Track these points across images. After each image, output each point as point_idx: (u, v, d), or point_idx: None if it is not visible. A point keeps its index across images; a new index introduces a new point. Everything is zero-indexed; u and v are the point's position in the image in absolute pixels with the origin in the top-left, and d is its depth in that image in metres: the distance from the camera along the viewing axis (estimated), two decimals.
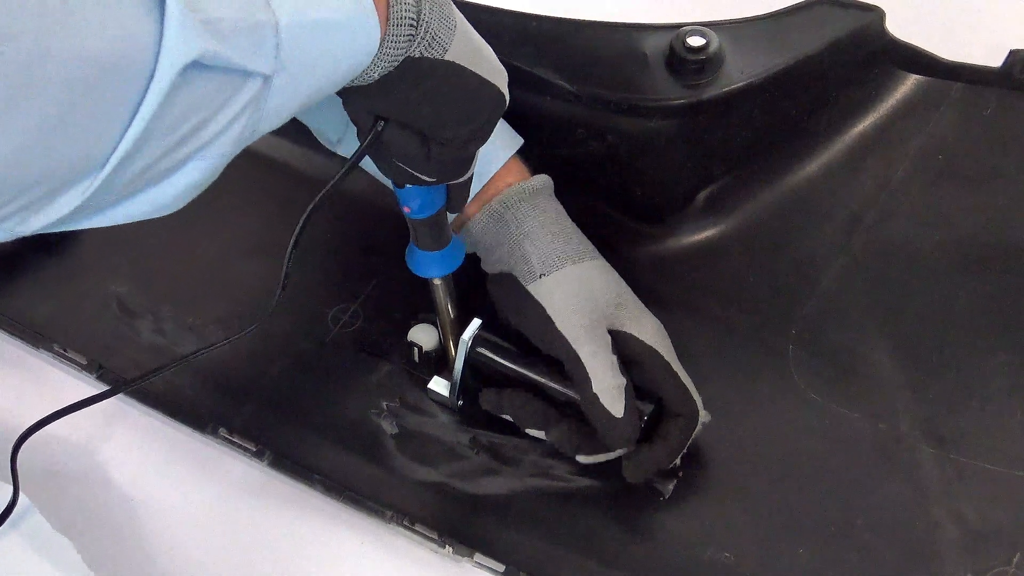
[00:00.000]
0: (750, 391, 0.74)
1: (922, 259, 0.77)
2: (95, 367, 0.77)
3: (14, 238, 0.44)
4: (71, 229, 0.45)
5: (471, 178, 0.65)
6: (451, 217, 0.71)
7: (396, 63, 0.52)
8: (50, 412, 0.69)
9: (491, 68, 0.57)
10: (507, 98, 0.58)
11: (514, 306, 0.70)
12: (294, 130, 0.87)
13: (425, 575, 0.68)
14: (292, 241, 0.59)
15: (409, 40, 0.52)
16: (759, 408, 0.74)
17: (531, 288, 0.69)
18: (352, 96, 0.54)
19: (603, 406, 0.66)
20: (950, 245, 0.76)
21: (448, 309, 0.73)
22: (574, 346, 0.67)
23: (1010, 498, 0.67)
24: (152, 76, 0.41)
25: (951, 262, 0.76)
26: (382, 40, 0.50)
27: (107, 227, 0.85)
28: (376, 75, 0.52)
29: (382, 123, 0.56)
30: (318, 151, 0.85)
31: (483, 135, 0.58)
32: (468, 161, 0.61)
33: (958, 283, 0.76)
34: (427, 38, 0.52)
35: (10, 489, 0.69)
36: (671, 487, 0.70)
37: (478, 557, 0.67)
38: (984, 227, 0.76)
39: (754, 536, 0.68)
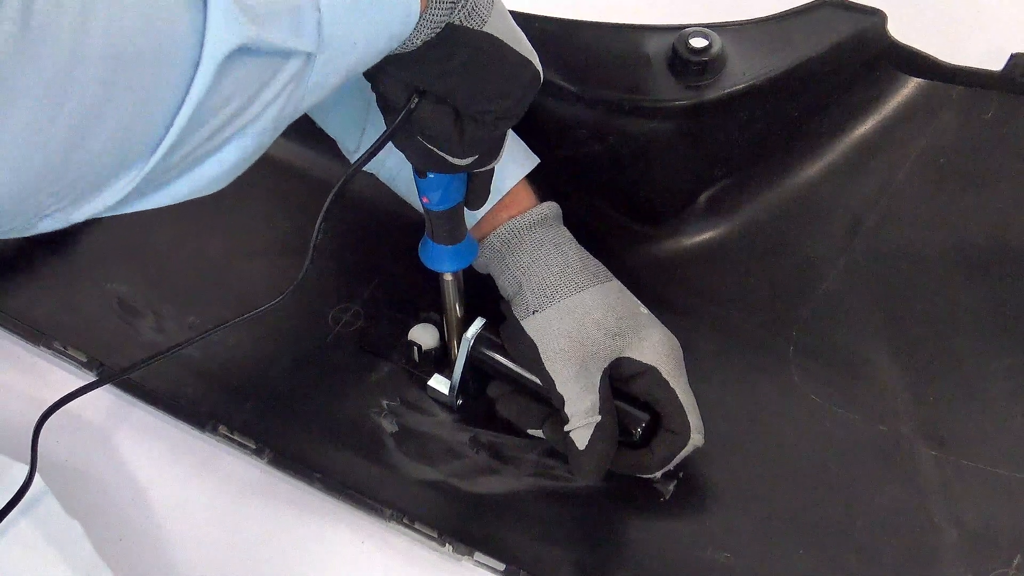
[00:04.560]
0: (751, 392, 0.75)
1: (923, 261, 0.77)
2: (95, 365, 0.77)
3: (68, 225, 0.45)
4: (118, 213, 0.46)
5: (492, 173, 0.65)
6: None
7: (438, 30, 0.53)
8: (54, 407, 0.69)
9: (526, 48, 0.58)
10: (542, 77, 0.59)
11: (510, 338, 0.71)
12: (299, 132, 0.87)
13: (425, 574, 0.68)
14: (324, 207, 0.59)
15: (451, 8, 0.53)
16: (760, 409, 0.74)
17: (524, 324, 0.70)
18: (390, 67, 0.55)
19: (571, 438, 0.68)
20: (951, 248, 0.77)
21: (455, 307, 0.73)
22: (559, 388, 0.68)
23: (1010, 500, 0.67)
24: (197, 65, 0.42)
25: (952, 265, 0.76)
26: (425, 7, 0.51)
27: (108, 227, 0.86)
28: (419, 41, 0.53)
29: (416, 98, 0.57)
30: (322, 153, 0.86)
31: (516, 112, 0.59)
32: (497, 145, 0.62)
33: (959, 286, 0.76)
34: (467, 7, 0.53)
35: (24, 470, 0.69)
36: (671, 487, 0.70)
37: (478, 556, 0.67)
38: (985, 230, 0.77)
39: (754, 536, 0.68)
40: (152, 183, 0.45)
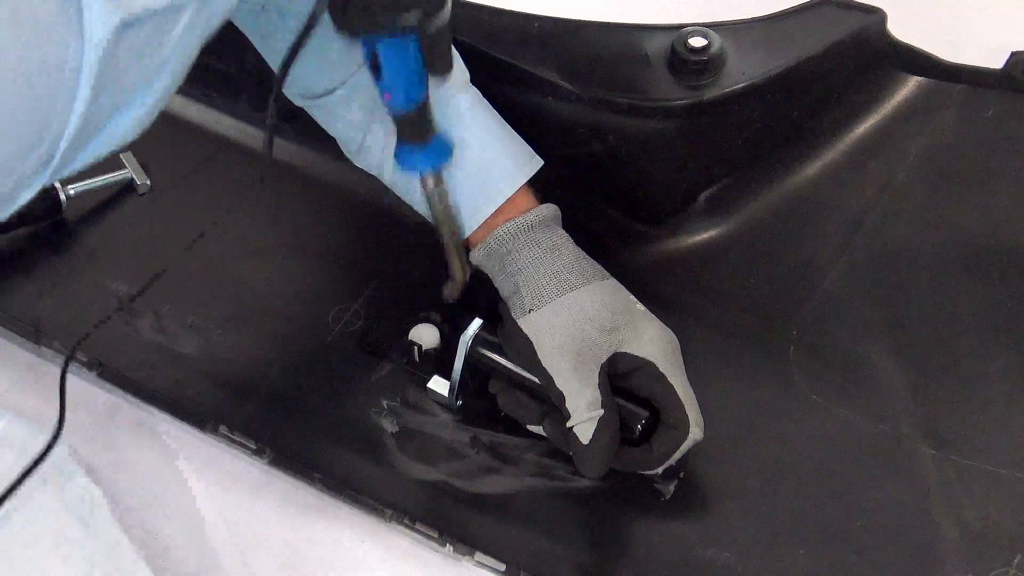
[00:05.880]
0: (751, 392, 0.74)
1: (923, 261, 0.77)
2: (95, 365, 0.77)
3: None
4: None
5: (449, 34, 0.61)
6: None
7: None
8: (55, 422, 0.70)
9: None
10: None
11: (507, 338, 0.71)
12: (300, 133, 0.87)
13: (425, 574, 0.68)
14: (275, 85, 0.57)
15: None
16: (760, 409, 0.74)
17: (520, 323, 0.70)
18: None
19: (574, 434, 0.68)
20: (951, 247, 0.77)
21: (447, 218, 0.69)
22: (557, 384, 0.68)
23: (1011, 499, 0.67)
24: (81, 60, 0.41)
25: (952, 264, 0.76)
26: None
27: (108, 227, 0.86)
28: None
29: None
30: (320, 152, 0.86)
31: None
32: None
33: (959, 285, 0.76)
34: None
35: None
36: (671, 488, 0.70)
37: (478, 556, 0.67)
38: (985, 229, 0.77)
39: (754, 537, 0.68)
40: (71, 153, 0.44)
